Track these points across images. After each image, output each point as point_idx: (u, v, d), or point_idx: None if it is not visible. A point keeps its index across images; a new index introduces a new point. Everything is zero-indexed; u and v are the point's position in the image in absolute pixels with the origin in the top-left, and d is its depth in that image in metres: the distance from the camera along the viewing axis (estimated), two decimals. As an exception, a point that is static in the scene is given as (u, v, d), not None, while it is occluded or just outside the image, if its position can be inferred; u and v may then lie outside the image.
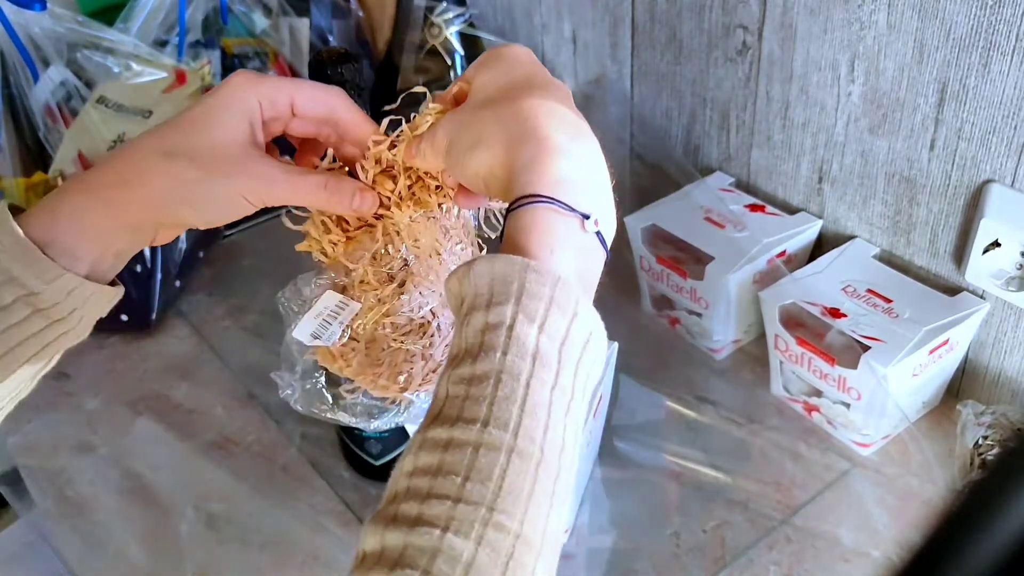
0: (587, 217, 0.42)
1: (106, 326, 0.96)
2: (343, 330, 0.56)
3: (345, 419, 0.63)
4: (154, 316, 0.96)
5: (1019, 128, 0.69)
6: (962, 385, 0.82)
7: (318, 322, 0.56)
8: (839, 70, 0.80)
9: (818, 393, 0.80)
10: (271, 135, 0.53)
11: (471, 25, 1.09)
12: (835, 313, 0.78)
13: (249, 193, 0.50)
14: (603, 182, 0.44)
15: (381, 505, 0.38)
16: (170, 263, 0.97)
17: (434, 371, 0.57)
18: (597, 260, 0.44)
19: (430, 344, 0.57)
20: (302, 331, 0.55)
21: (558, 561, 0.40)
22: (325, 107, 0.52)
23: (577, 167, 0.43)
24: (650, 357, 0.89)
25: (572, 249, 0.42)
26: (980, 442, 0.72)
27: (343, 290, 0.57)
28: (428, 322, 0.57)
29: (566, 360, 0.40)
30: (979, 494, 0.23)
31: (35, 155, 1.02)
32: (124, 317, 0.96)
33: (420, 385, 0.57)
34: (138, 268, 0.94)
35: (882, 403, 0.74)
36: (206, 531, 0.76)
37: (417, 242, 0.55)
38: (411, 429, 0.65)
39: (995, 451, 0.71)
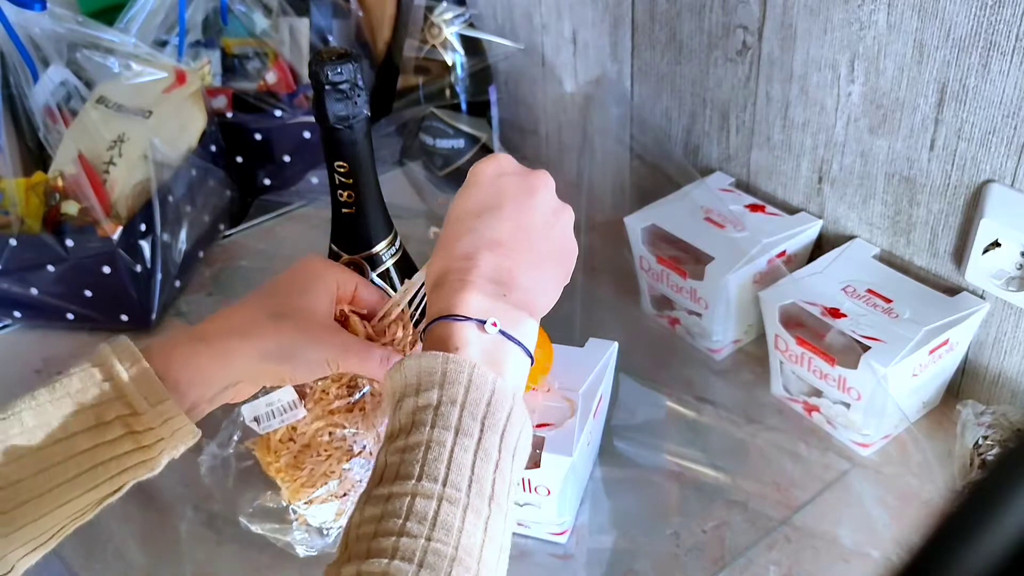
0: (483, 322, 0.50)
1: (106, 326, 0.97)
2: (280, 428, 0.63)
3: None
4: (154, 316, 0.96)
5: (1019, 128, 0.69)
6: (962, 385, 0.82)
7: (266, 410, 0.63)
8: (839, 70, 0.80)
9: (818, 393, 0.80)
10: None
11: (471, 25, 1.09)
12: (835, 313, 0.78)
13: (332, 359, 0.58)
14: (513, 292, 0.52)
15: (336, 557, 0.45)
16: (170, 263, 0.97)
17: (345, 493, 0.65)
18: (507, 356, 0.51)
19: (350, 468, 0.64)
20: (249, 411, 0.64)
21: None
22: (370, 303, 0.62)
23: (475, 288, 0.51)
24: (650, 357, 0.89)
25: (477, 346, 0.50)
26: (980, 442, 0.72)
27: (302, 394, 0.63)
28: (358, 452, 0.64)
29: (487, 430, 0.47)
30: (979, 494, 0.23)
31: (35, 155, 1.02)
32: (124, 317, 0.96)
33: (324, 501, 0.65)
34: (138, 268, 0.94)
35: (882, 403, 0.74)
36: (206, 531, 0.76)
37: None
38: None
39: (995, 451, 0.71)
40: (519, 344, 0.52)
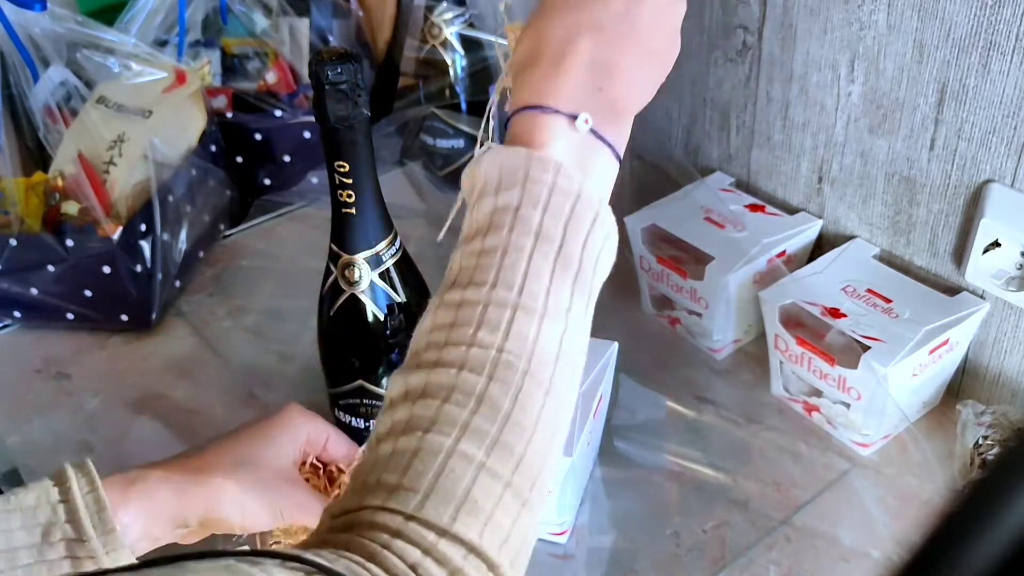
0: (574, 117, 0.46)
1: (106, 326, 0.97)
2: None
3: None
4: (154, 316, 0.96)
5: (1019, 128, 0.69)
6: (962, 385, 0.82)
7: None
8: (839, 70, 0.80)
9: (818, 393, 0.80)
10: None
11: (471, 25, 1.09)
12: (835, 313, 0.78)
13: (287, 511, 0.59)
14: (609, 86, 0.47)
15: (405, 361, 0.43)
16: (170, 263, 0.97)
17: None
18: (596, 157, 0.47)
19: None
20: None
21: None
22: (341, 454, 0.65)
23: (570, 76, 0.46)
24: (650, 357, 0.89)
25: (563, 143, 0.45)
26: (980, 442, 0.72)
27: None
28: None
29: (570, 236, 0.44)
30: (979, 494, 0.23)
31: (35, 155, 1.02)
32: (124, 317, 0.96)
33: None
34: (138, 268, 0.94)
35: (882, 403, 0.74)
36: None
37: None
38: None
39: (995, 451, 0.71)
40: (610, 146, 0.47)
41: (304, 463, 0.64)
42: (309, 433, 0.62)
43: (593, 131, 0.46)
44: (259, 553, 0.35)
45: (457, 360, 0.41)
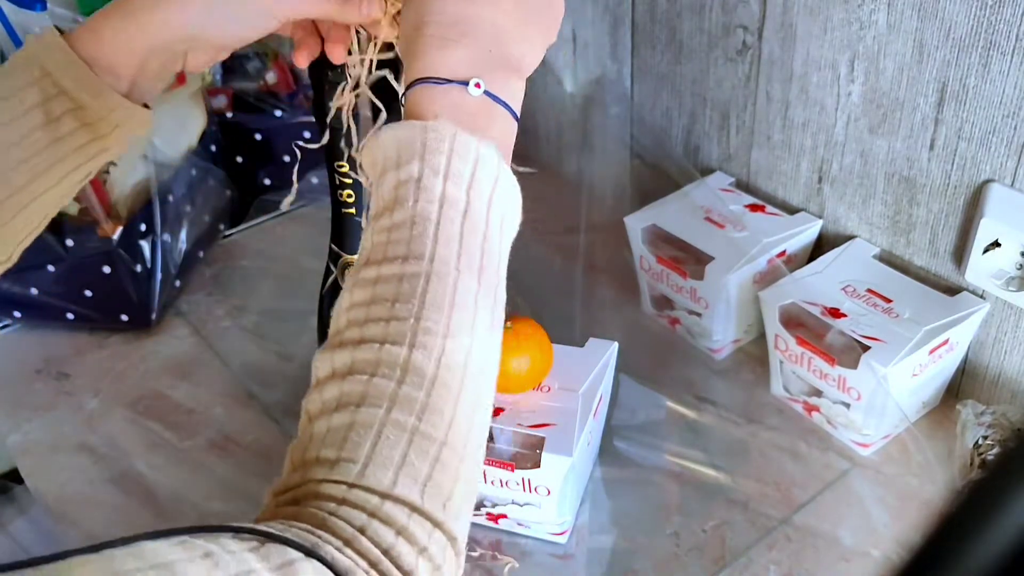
0: (465, 84, 0.47)
1: (106, 326, 0.97)
2: None
3: None
4: (154, 316, 0.96)
5: (1019, 128, 0.69)
6: (962, 385, 0.82)
7: None
8: (839, 70, 0.80)
9: (818, 393, 0.80)
10: None
11: (471, 25, 1.09)
12: (835, 313, 0.78)
13: (276, 7, 0.53)
14: (496, 47, 0.48)
15: (328, 340, 0.44)
16: (170, 263, 0.97)
17: None
18: (493, 118, 0.48)
19: None
20: None
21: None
22: None
23: (456, 43, 0.48)
24: (650, 357, 0.89)
25: (457, 110, 0.46)
26: (980, 442, 0.72)
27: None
28: None
29: (474, 199, 0.45)
30: (979, 494, 0.23)
31: (35, 155, 1.02)
32: (124, 317, 0.96)
33: None
34: (138, 268, 0.94)
35: (882, 403, 0.74)
36: (206, 531, 0.76)
37: None
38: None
39: (995, 451, 0.71)
40: (505, 105, 0.48)
41: None
42: None
43: (487, 93, 0.47)
44: (213, 528, 0.36)
45: (379, 335, 0.42)
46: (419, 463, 0.40)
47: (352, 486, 0.40)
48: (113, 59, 0.53)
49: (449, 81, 0.47)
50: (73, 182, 0.56)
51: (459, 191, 0.45)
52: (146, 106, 0.56)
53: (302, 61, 0.58)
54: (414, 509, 0.40)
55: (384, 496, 0.39)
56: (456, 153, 0.45)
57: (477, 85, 0.47)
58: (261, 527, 0.37)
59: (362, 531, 0.38)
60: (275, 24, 0.54)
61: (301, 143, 0.71)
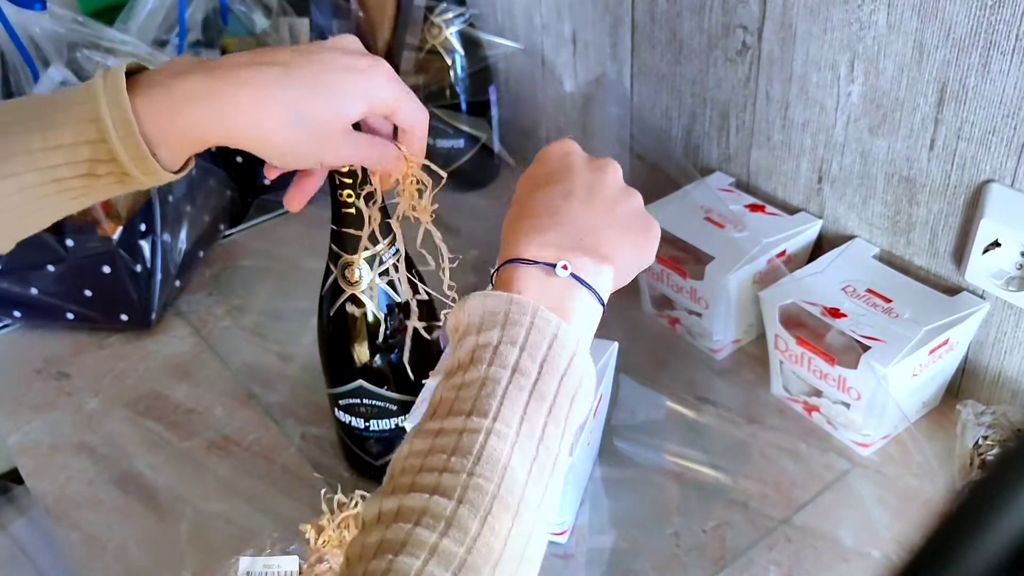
0: (553, 266, 0.50)
1: (106, 326, 0.97)
2: None
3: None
4: (154, 316, 0.96)
5: (1019, 128, 0.69)
6: (962, 385, 0.82)
7: (262, 570, 0.69)
8: (839, 70, 0.80)
9: (818, 393, 0.80)
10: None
11: (471, 25, 1.09)
12: (835, 313, 0.78)
13: (328, 156, 0.56)
14: (587, 239, 0.52)
15: (382, 486, 0.45)
16: (170, 263, 0.97)
17: None
18: (576, 300, 0.50)
19: None
20: (245, 564, 0.69)
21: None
22: (415, 121, 0.59)
23: (548, 232, 0.52)
24: (650, 357, 0.89)
25: (543, 289, 0.50)
26: (980, 442, 0.72)
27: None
28: None
29: (546, 373, 0.47)
30: (979, 494, 0.23)
31: (35, 155, 1.02)
32: (124, 317, 0.96)
33: None
34: (138, 268, 0.94)
35: (882, 403, 0.74)
36: (206, 531, 0.76)
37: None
38: (409, 427, 0.67)
39: (995, 451, 0.71)
40: (591, 289, 0.51)
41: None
42: (389, 101, 0.56)
43: (573, 275, 0.50)
44: None
45: (430, 485, 0.43)
46: None
47: None
48: (173, 142, 0.53)
49: (537, 263, 0.50)
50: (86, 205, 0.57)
51: (533, 363, 0.47)
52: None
53: (293, 206, 0.62)
54: None
55: None
56: (536, 327, 0.47)
57: (564, 267, 0.50)
58: None
59: None
60: (317, 166, 0.57)
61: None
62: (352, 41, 0.58)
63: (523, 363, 0.46)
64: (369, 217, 0.65)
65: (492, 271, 0.52)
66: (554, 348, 0.47)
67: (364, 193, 0.64)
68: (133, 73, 0.53)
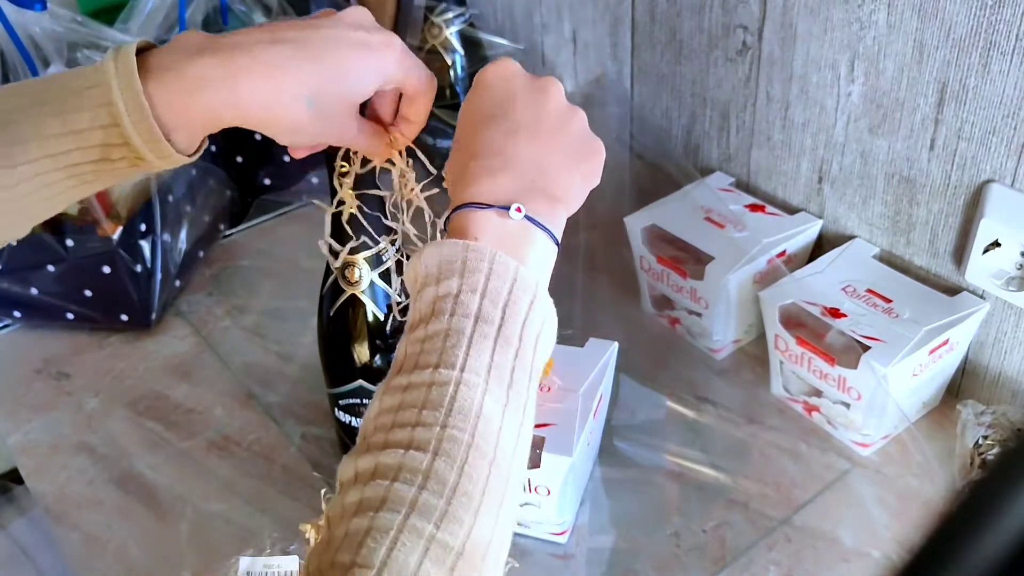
0: (506, 208, 0.49)
1: (106, 326, 0.97)
2: None
3: None
4: (154, 316, 0.96)
5: (1019, 128, 0.69)
6: (962, 385, 0.82)
7: (262, 570, 0.69)
8: (839, 70, 0.80)
9: (818, 393, 0.80)
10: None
11: (471, 25, 1.09)
12: (835, 313, 0.78)
13: (326, 137, 0.56)
14: (538, 179, 0.52)
15: (355, 447, 0.45)
16: (170, 263, 0.97)
17: None
18: (533, 241, 0.50)
19: None
20: (246, 564, 0.69)
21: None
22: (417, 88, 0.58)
23: (500, 173, 0.51)
24: (650, 357, 0.89)
25: (498, 233, 0.49)
26: (980, 442, 0.72)
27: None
28: None
29: (509, 317, 0.47)
30: (979, 494, 0.23)
31: (35, 155, 1.02)
32: (124, 317, 0.96)
33: None
34: (138, 268, 0.94)
35: (882, 403, 0.74)
36: (206, 531, 0.76)
37: None
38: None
39: (995, 451, 0.71)
40: (546, 230, 0.50)
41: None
42: (399, 75, 0.56)
43: (528, 217, 0.50)
44: None
45: (404, 440, 0.43)
46: (434, 572, 0.40)
47: None
48: (188, 126, 0.53)
49: (491, 206, 0.50)
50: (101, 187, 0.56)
51: (495, 309, 0.46)
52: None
53: (298, 153, 0.60)
54: None
55: None
56: (495, 272, 0.47)
57: (518, 209, 0.49)
58: None
59: None
60: (314, 142, 0.57)
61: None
62: (364, 15, 0.57)
63: (485, 310, 0.46)
64: (341, 200, 0.64)
65: (444, 216, 0.52)
66: (514, 292, 0.47)
67: (339, 171, 0.64)
68: (142, 51, 0.52)
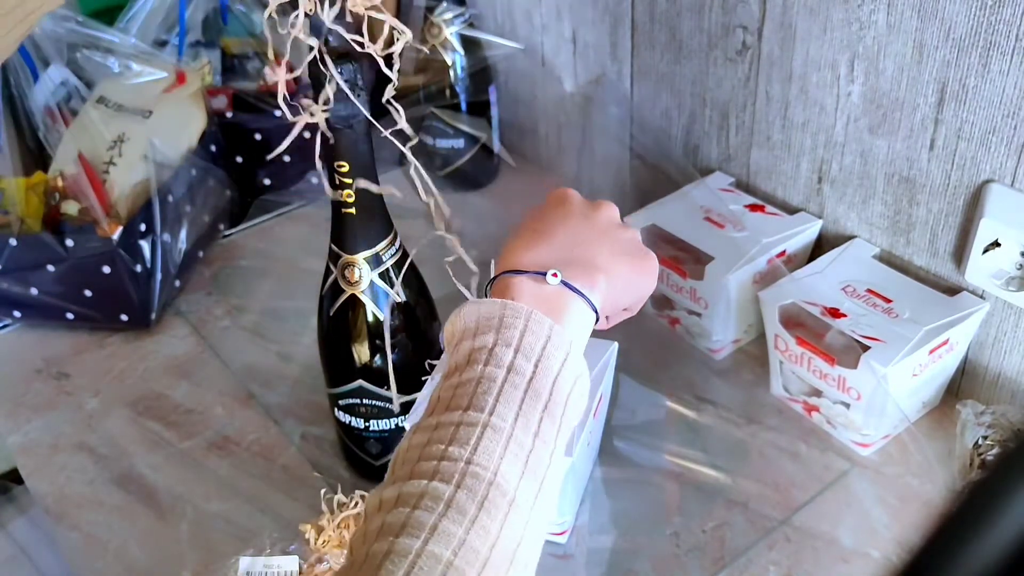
0: (543, 274, 0.52)
1: (106, 326, 0.97)
2: None
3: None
4: (154, 316, 0.96)
5: (1019, 128, 0.69)
6: (962, 385, 0.82)
7: (262, 570, 0.70)
8: (839, 70, 0.80)
9: (818, 393, 0.80)
10: None
11: (471, 25, 1.09)
12: (835, 313, 0.78)
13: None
14: (578, 257, 0.54)
15: (384, 481, 0.47)
16: (170, 263, 0.97)
17: None
18: (569, 306, 0.52)
19: None
20: (245, 565, 0.70)
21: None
22: None
23: (542, 246, 0.54)
24: (650, 357, 0.89)
25: (536, 296, 0.51)
26: (980, 442, 0.72)
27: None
28: None
29: (540, 372, 0.48)
30: (979, 494, 0.23)
31: (35, 155, 1.02)
32: (124, 317, 0.96)
33: None
34: (138, 268, 0.94)
35: (882, 403, 0.74)
36: (206, 531, 0.76)
37: None
38: (408, 426, 0.67)
39: (995, 451, 0.71)
40: (581, 295, 0.52)
41: None
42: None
43: (564, 282, 0.52)
44: None
45: (428, 471, 0.44)
46: None
47: None
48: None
49: (528, 272, 0.52)
50: (15, 37, 0.56)
51: (527, 363, 0.48)
52: None
53: None
54: None
55: None
56: (530, 329, 0.49)
57: (555, 275, 0.52)
58: None
59: None
60: None
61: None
62: None
63: (518, 363, 0.48)
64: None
65: (486, 285, 0.54)
66: (548, 349, 0.49)
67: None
68: None
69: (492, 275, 0.54)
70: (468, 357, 0.49)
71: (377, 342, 0.70)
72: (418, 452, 0.46)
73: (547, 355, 0.49)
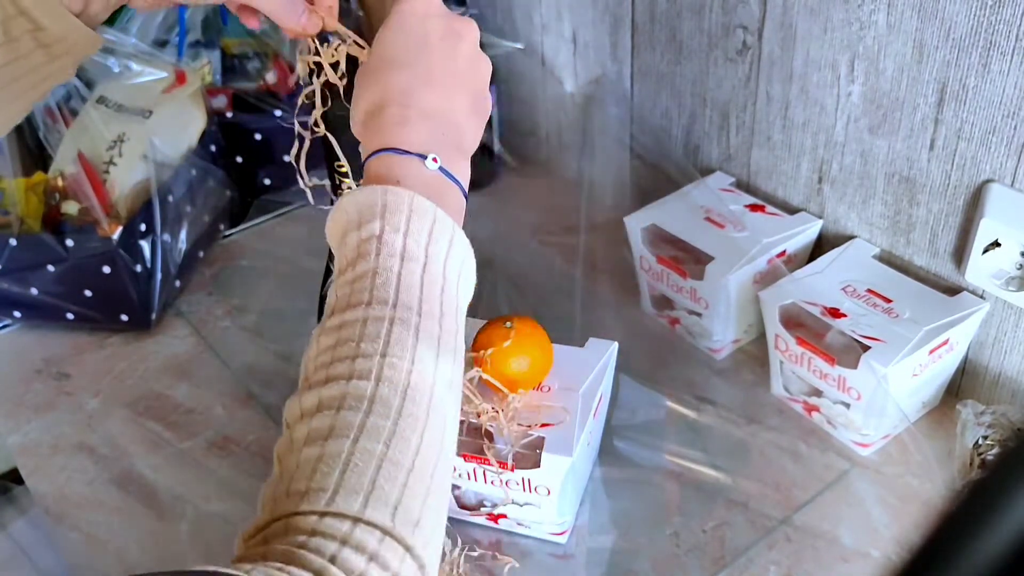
0: (424, 157, 0.51)
1: (106, 326, 0.97)
2: None
3: None
4: (154, 316, 0.96)
5: (1019, 128, 0.69)
6: (962, 385, 0.82)
7: None
8: (839, 70, 0.80)
9: (818, 393, 0.80)
10: None
11: (471, 25, 1.09)
12: (835, 313, 0.78)
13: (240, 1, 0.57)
14: (449, 132, 0.53)
15: (298, 388, 0.46)
16: (170, 263, 0.97)
17: None
18: (446, 192, 0.51)
19: None
20: None
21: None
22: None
23: (417, 123, 0.52)
24: (650, 357, 0.89)
25: (416, 179, 0.50)
26: (980, 442, 0.72)
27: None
28: None
29: (432, 256, 0.48)
30: (979, 494, 0.23)
31: (35, 155, 1.02)
32: (124, 317, 0.96)
33: None
34: (138, 268, 0.94)
35: (882, 403, 0.74)
36: (206, 531, 0.76)
37: None
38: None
39: (995, 451, 0.71)
40: (457, 183, 0.52)
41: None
42: None
43: (442, 169, 0.51)
44: (177, 573, 0.37)
45: (345, 372, 0.44)
46: (388, 488, 0.41)
47: (323, 515, 0.40)
48: None
49: (409, 153, 0.51)
50: (28, 103, 0.58)
51: (418, 248, 0.48)
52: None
53: (251, 23, 0.63)
54: (385, 532, 0.40)
55: (355, 520, 0.40)
56: (415, 213, 0.48)
57: (434, 160, 0.51)
58: (225, 569, 0.37)
59: (332, 560, 0.38)
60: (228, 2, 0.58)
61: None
62: None
63: (409, 248, 0.48)
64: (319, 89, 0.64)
65: (362, 161, 0.53)
66: (435, 231, 0.49)
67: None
68: None
69: (366, 151, 0.53)
70: (357, 249, 0.48)
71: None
72: (330, 355, 0.45)
73: (435, 237, 0.48)
